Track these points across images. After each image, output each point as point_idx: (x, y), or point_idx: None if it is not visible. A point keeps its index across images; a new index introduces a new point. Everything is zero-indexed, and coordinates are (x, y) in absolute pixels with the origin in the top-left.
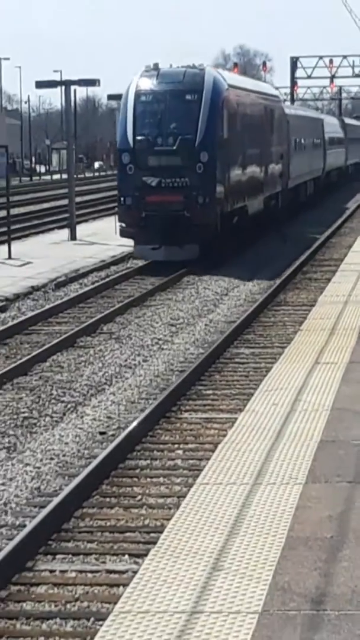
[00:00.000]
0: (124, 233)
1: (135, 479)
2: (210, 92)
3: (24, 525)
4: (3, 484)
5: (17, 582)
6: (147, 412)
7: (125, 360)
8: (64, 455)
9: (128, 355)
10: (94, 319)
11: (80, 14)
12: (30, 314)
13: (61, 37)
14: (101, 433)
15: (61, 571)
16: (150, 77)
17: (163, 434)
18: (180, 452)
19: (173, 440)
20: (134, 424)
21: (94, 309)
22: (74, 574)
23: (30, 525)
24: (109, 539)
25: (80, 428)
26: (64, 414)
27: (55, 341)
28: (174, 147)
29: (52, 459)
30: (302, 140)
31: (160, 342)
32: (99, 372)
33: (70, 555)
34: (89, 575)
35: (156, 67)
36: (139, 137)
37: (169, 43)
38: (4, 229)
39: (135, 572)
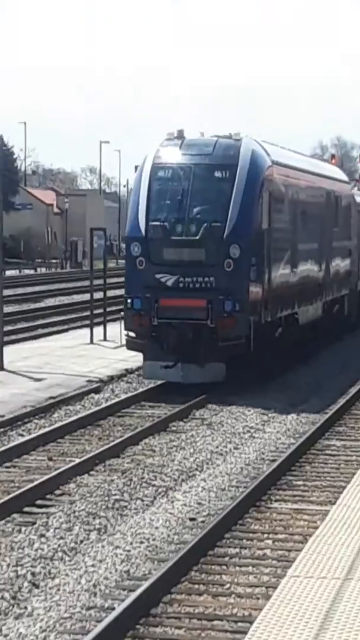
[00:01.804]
0: (130, 345)
1: (224, 567)
2: (247, 168)
3: (113, 608)
4: (93, 565)
5: None
6: (237, 500)
7: (217, 447)
8: (153, 540)
9: (219, 442)
10: (186, 405)
11: (181, 101)
12: (123, 396)
13: (159, 122)
14: (191, 519)
15: None
16: (172, 147)
17: (253, 523)
18: (269, 542)
19: (262, 529)
20: (225, 512)
21: (187, 394)
22: None
23: (119, 608)
24: (197, 626)
25: (170, 513)
26: (155, 498)
27: (147, 425)
28: (197, 237)
29: (142, 542)
30: None
31: (252, 430)
32: (190, 457)
33: None
34: None
35: (180, 134)
36: (153, 223)
37: (266, 132)
38: (100, 310)
39: None
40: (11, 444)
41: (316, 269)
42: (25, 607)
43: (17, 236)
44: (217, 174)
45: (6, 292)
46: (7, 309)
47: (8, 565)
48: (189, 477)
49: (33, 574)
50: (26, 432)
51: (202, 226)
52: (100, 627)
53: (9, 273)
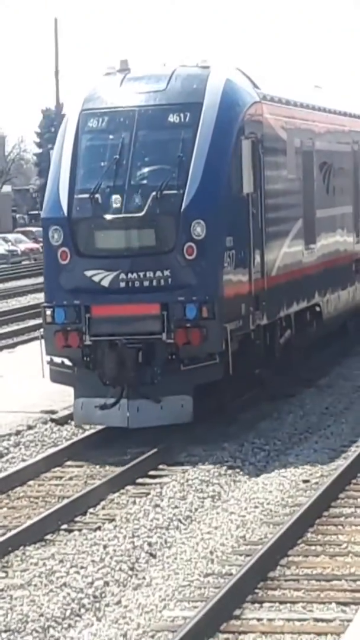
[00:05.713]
0: (55, 376)
1: (340, 527)
2: (216, 108)
3: (231, 574)
4: (209, 533)
5: (226, 630)
6: (350, 459)
7: (326, 408)
8: (268, 504)
9: (329, 402)
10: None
11: None
12: None
13: None
14: (304, 481)
15: (269, 619)
16: (110, 85)
17: None
18: None
19: None
20: (339, 471)
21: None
22: (281, 622)
23: (238, 573)
24: (316, 587)
25: (283, 476)
26: (267, 463)
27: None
28: (143, 213)
29: (256, 507)
30: None
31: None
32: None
33: (277, 604)
34: (297, 623)
35: (124, 66)
36: (79, 196)
37: None
38: None
39: (343, 621)
40: None
41: (351, 240)
42: (144, 578)
43: None
44: (173, 118)
45: None
46: None
47: (124, 537)
48: (301, 441)
49: (149, 544)
50: None
51: (150, 196)
52: (220, 593)
53: None
